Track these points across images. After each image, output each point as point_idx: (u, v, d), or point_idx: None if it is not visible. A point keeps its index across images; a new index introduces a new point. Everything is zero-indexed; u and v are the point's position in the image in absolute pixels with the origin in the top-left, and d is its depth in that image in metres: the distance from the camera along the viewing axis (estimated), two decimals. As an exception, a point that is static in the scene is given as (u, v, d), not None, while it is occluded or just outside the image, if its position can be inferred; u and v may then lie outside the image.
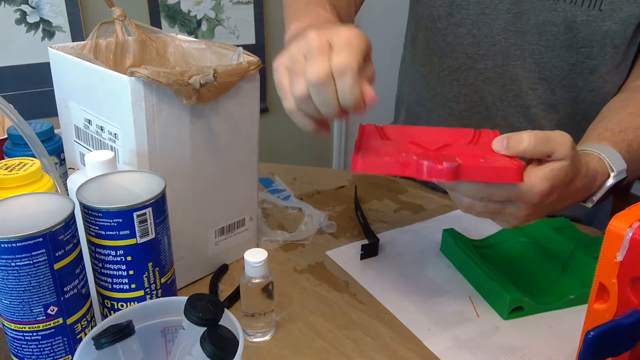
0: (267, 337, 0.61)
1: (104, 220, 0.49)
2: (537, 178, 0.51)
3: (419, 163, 0.50)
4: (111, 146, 0.62)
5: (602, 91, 0.80)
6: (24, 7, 1.65)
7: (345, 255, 0.76)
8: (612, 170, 0.59)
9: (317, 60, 0.49)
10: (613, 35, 0.75)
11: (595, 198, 0.60)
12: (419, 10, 0.90)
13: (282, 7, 0.78)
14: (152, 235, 0.52)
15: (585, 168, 0.57)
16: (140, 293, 0.53)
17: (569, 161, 0.52)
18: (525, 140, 0.51)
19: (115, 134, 0.61)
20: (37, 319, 0.48)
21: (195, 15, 1.92)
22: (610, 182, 0.59)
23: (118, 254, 0.51)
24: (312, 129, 0.54)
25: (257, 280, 0.58)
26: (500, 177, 0.50)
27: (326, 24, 0.58)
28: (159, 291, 0.54)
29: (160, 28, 1.55)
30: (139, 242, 0.51)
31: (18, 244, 0.44)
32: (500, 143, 0.53)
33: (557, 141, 0.52)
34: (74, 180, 0.57)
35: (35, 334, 0.48)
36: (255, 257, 0.58)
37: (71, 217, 0.48)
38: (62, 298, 0.48)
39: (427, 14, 0.88)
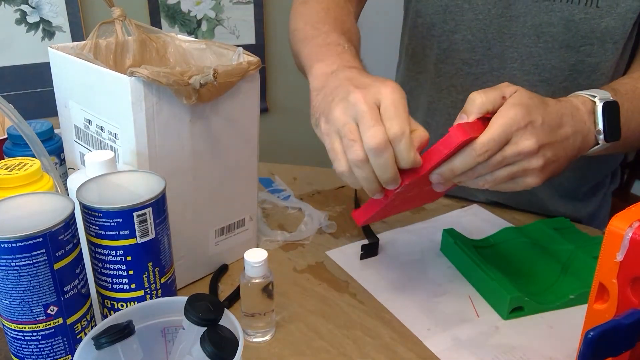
0: (267, 337, 0.61)
1: (104, 220, 0.49)
2: (504, 108, 0.53)
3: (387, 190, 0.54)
4: (111, 146, 0.62)
5: None
6: (24, 7, 1.65)
7: (345, 255, 0.76)
8: (594, 96, 0.60)
9: (373, 127, 0.50)
10: (612, 31, 0.75)
11: (600, 127, 0.59)
12: (413, 19, 0.90)
13: (291, 35, 0.78)
14: (152, 235, 0.52)
15: (551, 99, 0.58)
16: (140, 293, 0.53)
17: (521, 89, 0.55)
18: (477, 97, 0.53)
19: (115, 134, 0.61)
20: (37, 319, 0.48)
21: (195, 15, 1.92)
22: (599, 105, 0.59)
23: (118, 254, 0.51)
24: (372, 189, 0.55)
25: (257, 280, 0.58)
26: (449, 145, 0.51)
27: (357, 74, 0.57)
28: (159, 291, 0.54)
29: (160, 28, 1.55)
30: (139, 242, 0.51)
31: (18, 244, 0.44)
32: (460, 117, 0.54)
33: (500, 85, 0.56)
34: (74, 180, 0.57)
35: (35, 334, 0.48)
36: (255, 257, 0.58)
37: (71, 217, 0.48)
38: (62, 298, 0.48)
39: (421, 22, 0.88)
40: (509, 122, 0.52)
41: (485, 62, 0.83)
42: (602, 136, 0.60)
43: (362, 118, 0.51)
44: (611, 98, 0.60)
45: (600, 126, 0.59)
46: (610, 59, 0.78)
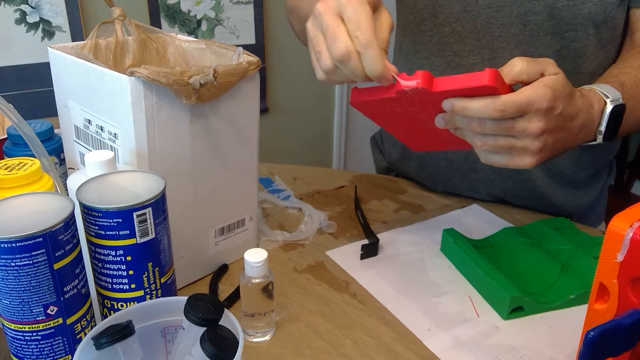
0: (267, 337, 0.61)
1: (103, 220, 0.49)
2: (537, 84, 0.55)
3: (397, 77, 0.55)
4: (111, 146, 0.62)
5: (588, 72, 0.82)
6: (24, 7, 1.65)
7: (345, 255, 0.76)
8: (607, 97, 0.63)
9: (336, 39, 0.53)
10: (594, 16, 0.77)
11: (602, 128, 0.63)
12: (404, 16, 0.91)
13: (288, 7, 0.80)
14: (152, 235, 0.52)
15: (579, 92, 0.61)
16: (140, 293, 0.53)
17: (561, 75, 0.57)
18: (517, 64, 0.56)
19: (115, 134, 0.61)
20: (37, 319, 0.48)
21: (195, 15, 1.92)
22: (609, 107, 0.63)
23: (118, 254, 0.51)
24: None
25: (257, 280, 0.58)
26: (473, 81, 0.53)
27: None
28: (159, 291, 0.54)
29: (160, 28, 1.55)
30: (138, 242, 0.51)
31: (18, 244, 0.44)
32: None
33: (545, 61, 0.58)
34: (74, 180, 0.57)
35: (35, 334, 0.48)
36: (255, 257, 0.58)
37: (71, 217, 0.48)
38: (62, 298, 0.48)
39: (412, 19, 0.89)
40: (534, 98, 0.55)
41: (476, 53, 0.84)
42: (601, 136, 0.64)
43: (326, 30, 0.54)
44: (621, 100, 0.63)
45: (603, 127, 0.63)
46: (593, 42, 0.79)
